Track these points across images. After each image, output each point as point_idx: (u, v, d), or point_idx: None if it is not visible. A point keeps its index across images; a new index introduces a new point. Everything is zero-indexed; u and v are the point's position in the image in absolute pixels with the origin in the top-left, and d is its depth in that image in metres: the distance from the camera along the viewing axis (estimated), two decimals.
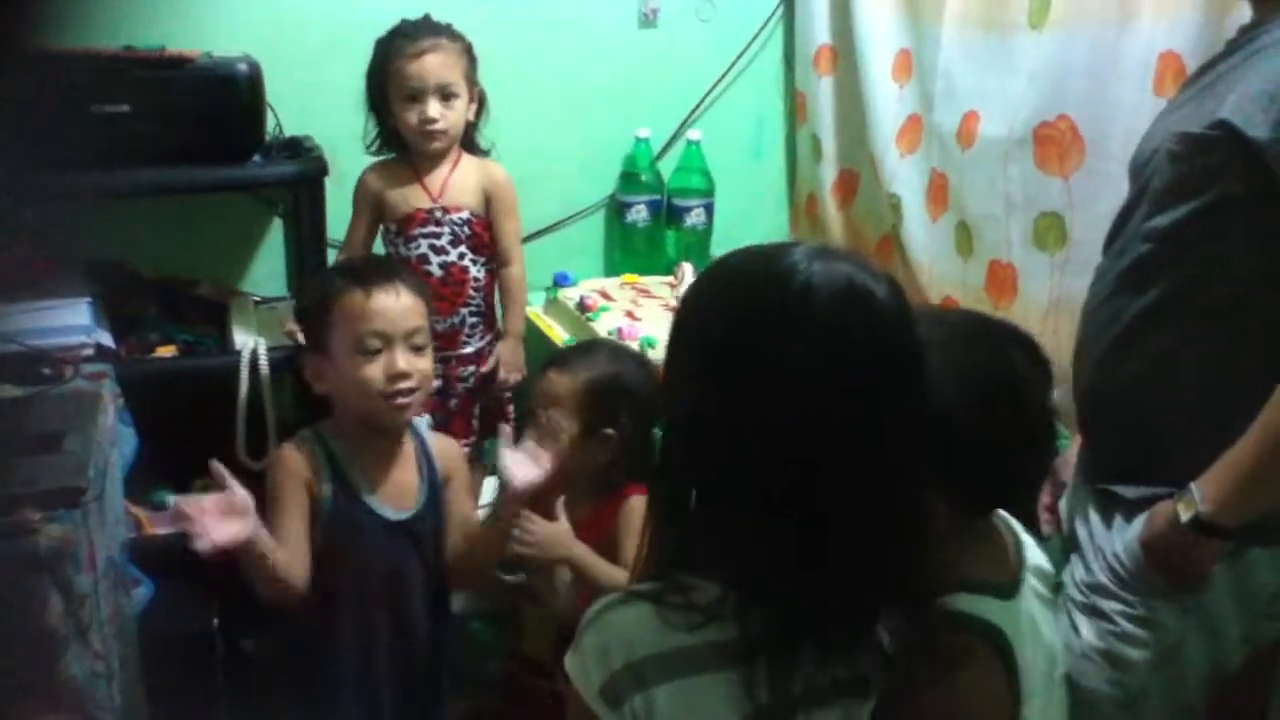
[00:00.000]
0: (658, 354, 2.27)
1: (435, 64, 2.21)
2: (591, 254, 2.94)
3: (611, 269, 2.92)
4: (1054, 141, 2.11)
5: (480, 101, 2.33)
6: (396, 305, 1.66)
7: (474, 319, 2.35)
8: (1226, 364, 1.41)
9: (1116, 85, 1.98)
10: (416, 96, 2.22)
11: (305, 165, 2.35)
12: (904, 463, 0.97)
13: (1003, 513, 1.23)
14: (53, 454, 1.60)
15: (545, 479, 1.71)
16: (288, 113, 2.40)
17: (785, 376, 0.93)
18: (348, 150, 2.39)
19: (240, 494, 1.53)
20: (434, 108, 2.21)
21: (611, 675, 0.96)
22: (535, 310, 2.70)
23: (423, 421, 1.80)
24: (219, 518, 1.49)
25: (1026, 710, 1.11)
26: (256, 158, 2.31)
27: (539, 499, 1.83)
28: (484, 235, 2.33)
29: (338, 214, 2.37)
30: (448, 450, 1.84)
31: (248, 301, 2.44)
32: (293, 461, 1.68)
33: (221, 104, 2.21)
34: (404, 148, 2.30)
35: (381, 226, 2.34)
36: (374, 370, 1.64)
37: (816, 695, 0.97)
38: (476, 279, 2.33)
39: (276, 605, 1.62)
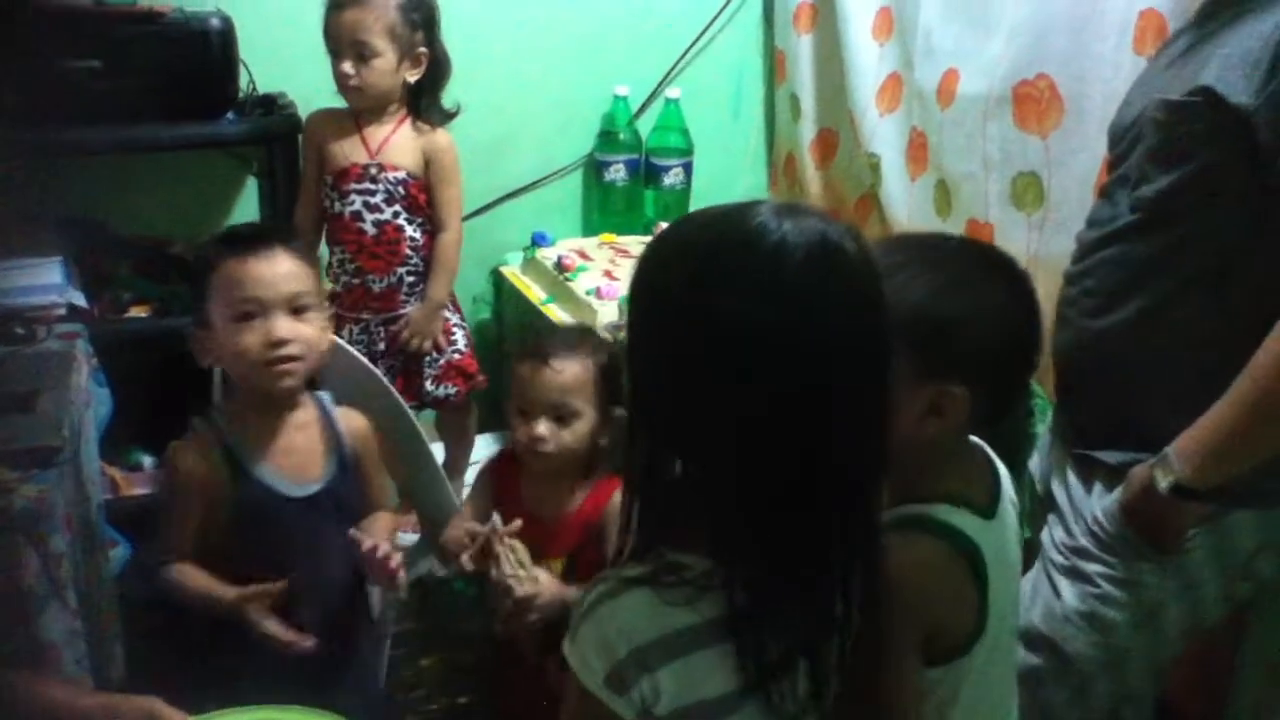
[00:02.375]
0: None
1: (350, 21, 2.19)
2: (569, 213, 2.92)
3: (589, 228, 2.91)
4: (1033, 100, 2.11)
5: (432, 65, 2.28)
6: (271, 270, 1.58)
7: (412, 278, 2.34)
8: (1208, 330, 1.41)
9: (1096, 43, 1.97)
10: (336, 52, 2.21)
11: (279, 122, 2.33)
12: (875, 411, 0.97)
13: (981, 443, 1.26)
14: (26, 413, 1.59)
15: (562, 467, 1.69)
16: (261, 69, 2.37)
17: (764, 338, 0.92)
18: (322, 107, 2.37)
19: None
20: (346, 65, 2.20)
21: (615, 664, 0.96)
22: (513, 269, 2.69)
23: (327, 396, 1.72)
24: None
25: (990, 624, 1.15)
26: (230, 114, 2.29)
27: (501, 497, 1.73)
28: (420, 198, 2.31)
29: None
30: (357, 428, 1.73)
31: None
32: (184, 461, 1.60)
33: (194, 60, 2.19)
34: None
35: (320, 178, 2.33)
36: (251, 338, 1.56)
37: (800, 647, 0.99)
38: (414, 239, 2.31)
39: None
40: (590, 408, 1.67)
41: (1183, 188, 1.41)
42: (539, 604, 1.55)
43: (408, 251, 2.31)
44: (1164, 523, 1.42)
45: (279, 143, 2.35)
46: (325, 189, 2.30)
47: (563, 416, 1.66)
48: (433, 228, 2.33)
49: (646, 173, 2.86)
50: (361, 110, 2.27)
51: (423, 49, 2.25)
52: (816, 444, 0.94)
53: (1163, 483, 1.38)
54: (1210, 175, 1.38)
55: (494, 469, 1.81)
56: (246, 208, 2.59)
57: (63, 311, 2.00)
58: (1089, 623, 1.51)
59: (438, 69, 2.30)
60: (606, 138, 2.84)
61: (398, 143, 2.29)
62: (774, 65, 2.98)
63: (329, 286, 2.38)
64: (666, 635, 0.96)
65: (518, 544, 1.59)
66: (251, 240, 1.62)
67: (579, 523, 1.70)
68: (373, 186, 2.27)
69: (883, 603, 1.03)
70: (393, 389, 1.97)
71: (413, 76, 2.26)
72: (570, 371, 1.67)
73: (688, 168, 2.86)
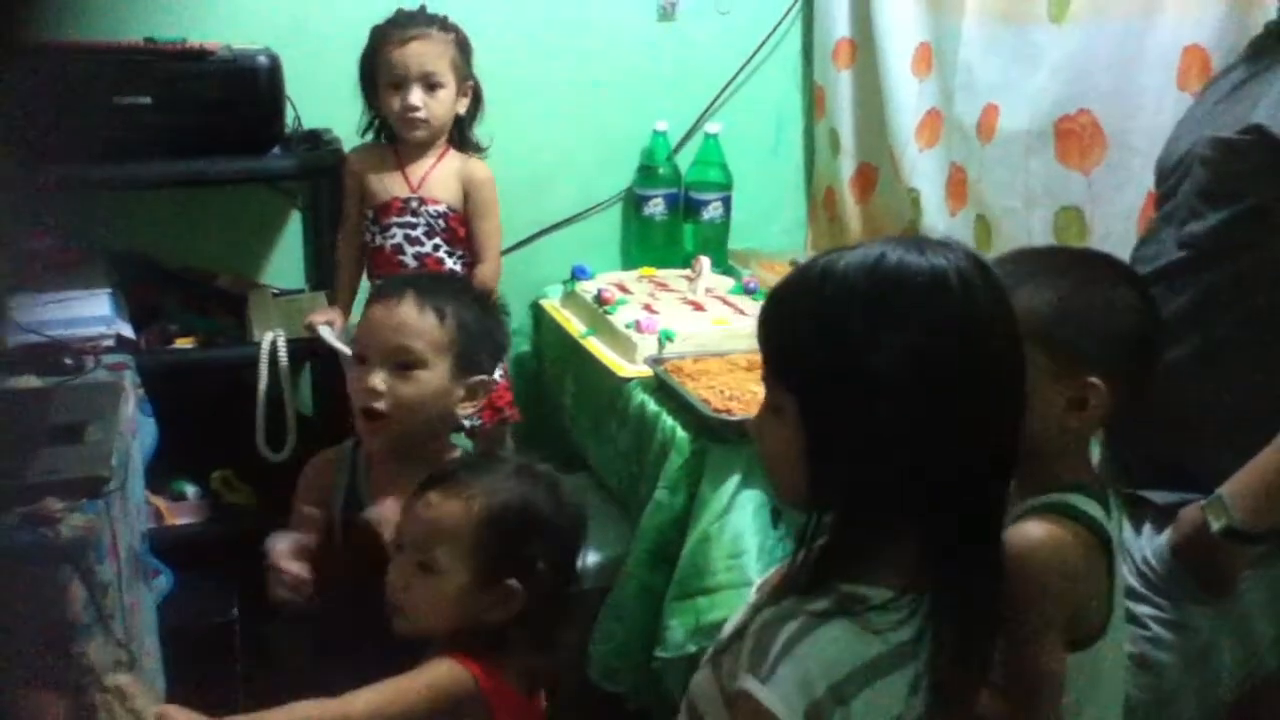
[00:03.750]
0: (676, 346, 2.27)
1: (419, 52, 2.21)
2: (609, 247, 2.93)
3: (629, 262, 2.92)
4: (1075, 135, 2.10)
5: (474, 97, 2.32)
6: (384, 317, 1.53)
7: None
8: (1257, 371, 1.40)
9: (1140, 79, 1.96)
10: (400, 84, 2.22)
11: (324, 158, 2.35)
12: (1021, 417, 1.04)
13: None
14: (75, 444, 1.61)
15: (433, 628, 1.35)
16: (307, 105, 2.41)
17: (965, 367, 0.99)
18: (361, 143, 2.40)
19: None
20: (416, 95, 2.22)
21: (814, 701, 0.97)
22: (553, 302, 2.70)
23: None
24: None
25: (1112, 618, 1.21)
26: (276, 150, 2.32)
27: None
28: (460, 231, 2.33)
29: None
30: None
31: (266, 294, 2.45)
32: (312, 471, 1.65)
33: (241, 96, 2.22)
34: (393, 136, 2.31)
35: (361, 212, 2.34)
36: (354, 382, 1.54)
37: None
38: (454, 272, 2.33)
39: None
40: (460, 567, 1.32)
41: (1232, 226, 1.39)
42: None
43: None
44: (1216, 565, 1.40)
45: (324, 177, 2.38)
46: (366, 223, 2.33)
47: (425, 564, 1.34)
48: (472, 260, 2.35)
49: (685, 207, 2.87)
50: (403, 144, 2.30)
51: (469, 80, 2.29)
52: (995, 458, 1.02)
53: (1216, 525, 1.36)
54: (1261, 214, 1.37)
55: None
56: (291, 242, 2.63)
57: (111, 343, 2.03)
58: (1139, 665, 1.48)
59: (478, 100, 2.34)
60: (646, 172, 2.85)
61: (438, 176, 2.31)
62: (813, 100, 2.99)
63: None
64: (861, 666, 0.98)
65: (129, 688, 1.26)
66: (392, 283, 1.62)
67: None
68: (414, 220, 2.30)
69: (1016, 592, 1.11)
70: None
71: (461, 108, 2.30)
72: (442, 511, 1.34)
73: (727, 202, 2.86)
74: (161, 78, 2.14)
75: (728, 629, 1.14)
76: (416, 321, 1.53)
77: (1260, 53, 1.45)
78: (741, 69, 2.90)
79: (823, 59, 2.90)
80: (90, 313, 2.08)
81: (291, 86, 2.31)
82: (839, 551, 1.03)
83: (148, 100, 2.12)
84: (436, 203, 2.30)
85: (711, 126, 2.85)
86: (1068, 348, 1.19)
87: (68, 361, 1.88)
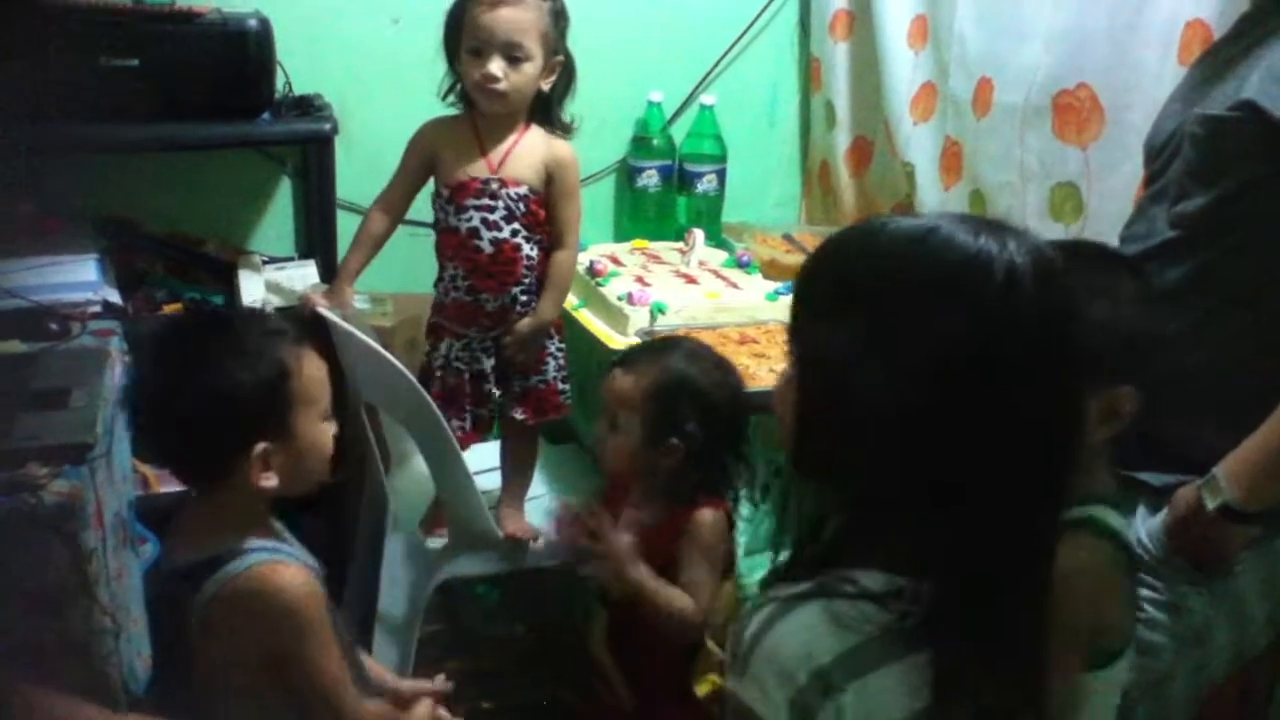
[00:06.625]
0: (668, 319, 2.26)
1: (506, 19, 2.03)
2: (601, 219, 2.91)
3: (621, 234, 2.90)
4: (1073, 110, 2.08)
5: (564, 73, 2.15)
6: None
7: (525, 297, 2.16)
8: (1251, 348, 1.39)
9: (1139, 53, 1.95)
10: (481, 50, 2.04)
11: (315, 124, 2.32)
12: (1069, 419, 0.96)
13: None
14: (59, 410, 1.59)
15: (615, 480, 1.88)
16: (298, 70, 2.38)
17: (1000, 360, 0.90)
18: (358, 110, 2.37)
19: None
20: (496, 65, 2.03)
21: (798, 691, 0.90)
22: None
23: None
24: None
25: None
26: (266, 115, 2.29)
27: (610, 501, 1.90)
28: (540, 214, 2.15)
29: (347, 175, 2.35)
30: None
31: (255, 261, 2.42)
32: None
33: (231, 60, 2.19)
34: (472, 104, 2.13)
35: (434, 191, 2.18)
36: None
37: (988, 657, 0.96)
38: (530, 258, 2.14)
39: None
40: (635, 427, 1.78)
41: (1224, 205, 1.39)
42: (604, 558, 1.76)
43: (523, 271, 2.15)
44: (1212, 545, 1.39)
45: (315, 145, 2.35)
46: (440, 202, 2.16)
47: (612, 424, 1.82)
48: (550, 245, 2.18)
49: (679, 179, 2.85)
50: (482, 118, 2.13)
51: (559, 57, 2.13)
52: (1017, 465, 0.93)
53: (1211, 504, 1.35)
54: (1252, 192, 1.36)
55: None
56: (280, 209, 2.60)
57: (97, 309, 2.00)
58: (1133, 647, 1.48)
59: (569, 77, 2.18)
60: (640, 143, 2.83)
61: (520, 155, 2.13)
62: (809, 73, 2.97)
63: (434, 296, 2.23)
64: (846, 651, 0.91)
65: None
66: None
67: (657, 537, 1.78)
68: (492, 203, 2.11)
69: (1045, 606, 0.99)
70: (416, 384, 1.96)
71: (546, 85, 2.13)
72: (622, 384, 1.80)
73: (721, 174, 2.84)
74: (149, 40, 2.11)
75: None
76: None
77: (1249, 29, 1.43)
78: (738, 40, 2.88)
79: (820, 31, 2.88)
80: (76, 278, 2.06)
81: (282, 50, 2.28)
82: (838, 538, 0.98)
83: (135, 63, 2.09)
84: (518, 185, 2.12)
85: (707, 98, 2.82)
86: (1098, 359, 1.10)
87: (53, 327, 1.86)
